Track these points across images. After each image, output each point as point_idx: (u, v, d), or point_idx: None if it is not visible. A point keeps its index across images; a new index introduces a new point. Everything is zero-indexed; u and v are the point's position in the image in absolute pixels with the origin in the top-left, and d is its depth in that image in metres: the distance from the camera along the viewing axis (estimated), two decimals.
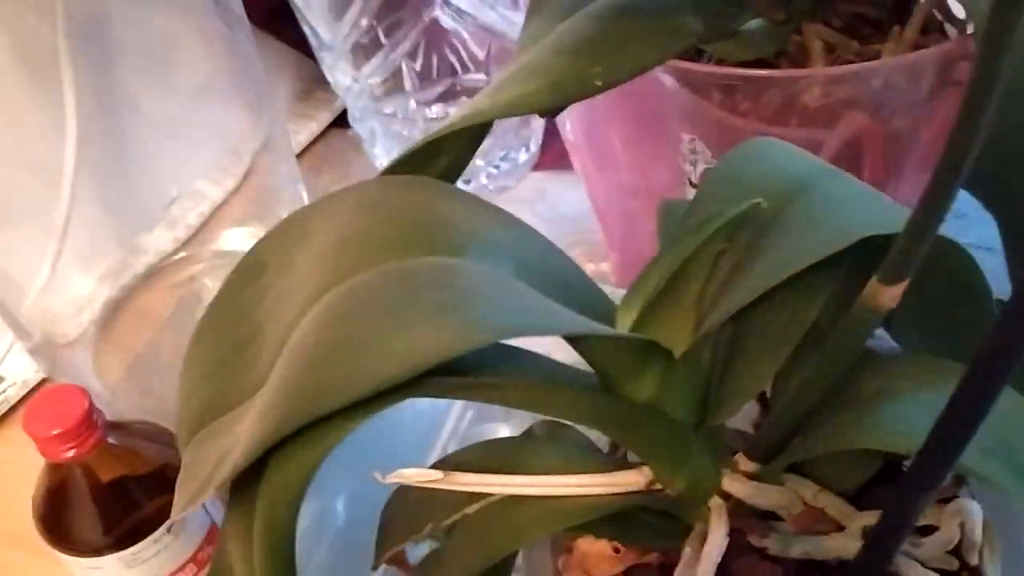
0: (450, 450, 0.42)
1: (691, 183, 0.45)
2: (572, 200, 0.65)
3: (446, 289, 0.25)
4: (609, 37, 0.38)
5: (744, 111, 0.45)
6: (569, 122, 0.52)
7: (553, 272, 0.28)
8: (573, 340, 0.28)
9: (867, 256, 0.30)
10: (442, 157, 0.37)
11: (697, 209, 0.30)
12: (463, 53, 0.66)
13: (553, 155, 0.69)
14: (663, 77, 0.46)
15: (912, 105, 0.44)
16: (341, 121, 0.75)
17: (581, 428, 0.35)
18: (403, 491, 0.35)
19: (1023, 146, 0.33)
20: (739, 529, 0.30)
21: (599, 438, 0.34)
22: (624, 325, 0.29)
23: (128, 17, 0.51)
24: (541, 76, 0.37)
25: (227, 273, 0.32)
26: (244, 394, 0.29)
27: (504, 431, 0.47)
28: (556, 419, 0.30)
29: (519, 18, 0.64)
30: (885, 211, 0.28)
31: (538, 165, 0.70)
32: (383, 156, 0.71)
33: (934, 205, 0.22)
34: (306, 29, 0.65)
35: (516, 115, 0.38)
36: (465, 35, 0.65)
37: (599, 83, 0.37)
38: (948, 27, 0.47)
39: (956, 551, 0.29)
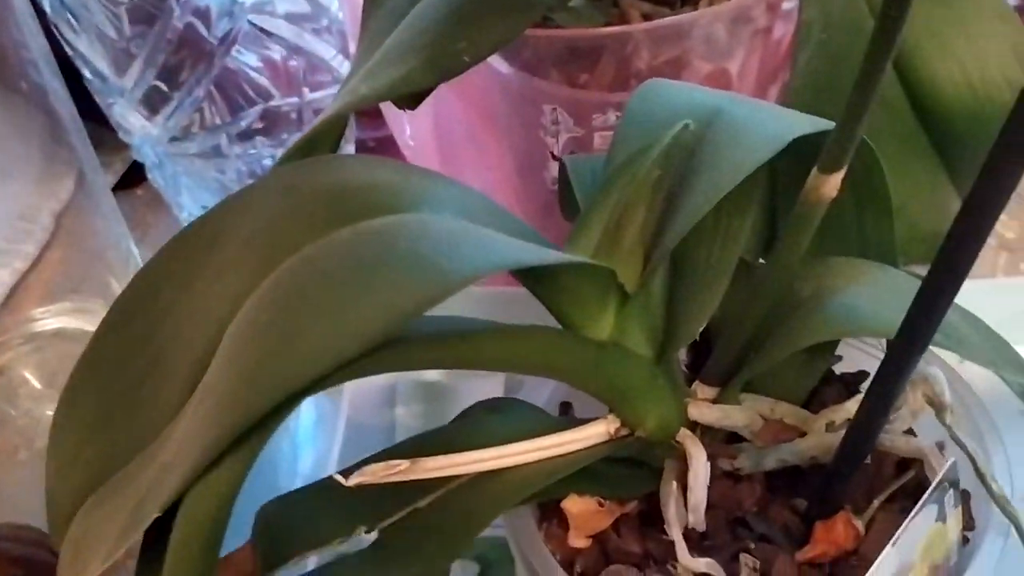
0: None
1: (553, 156, 0.45)
2: None
3: (419, 240, 0.23)
4: (467, 14, 0.38)
5: (584, 83, 0.46)
6: (410, 127, 0.51)
7: (503, 223, 0.27)
8: (532, 282, 0.27)
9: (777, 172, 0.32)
10: (317, 152, 0.35)
11: (618, 151, 0.30)
12: (264, 82, 0.63)
13: None
14: (499, 66, 0.46)
15: (730, 51, 0.46)
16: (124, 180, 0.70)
17: (523, 398, 0.34)
18: (295, 496, 0.31)
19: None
20: (708, 458, 0.30)
21: (547, 404, 0.34)
22: None
23: None
24: (414, 55, 0.36)
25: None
26: (147, 438, 0.26)
27: None
28: (523, 373, 0.28)
29: (324, 41, 0.63)
30: (793, 120, 0.30)
31: None
32: (192, 205, 0.66)
33: (864, 94, 0.24)
34: (89, 75, 0.60)
35: (396, 96, 0.37)
36: (261, 65, 0.63)
37: (467, 58, 0.37)
38: None
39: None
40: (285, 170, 0.29)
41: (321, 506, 0.30)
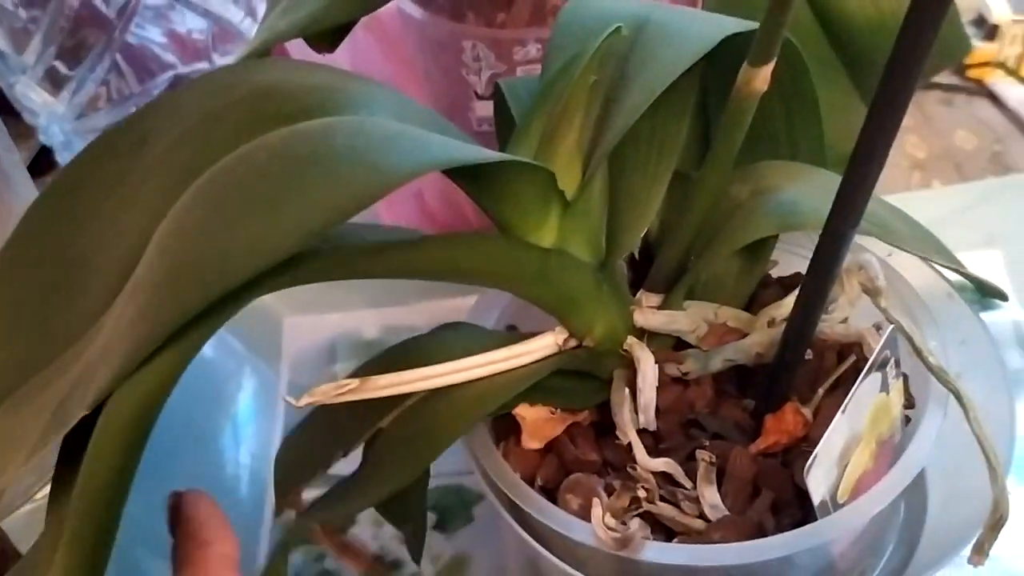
0: None
1: (478, 95, 0.45)
2: None
3: (356, 137, 0.23)
4: None
5: (501, 23, 0.46)
6: None
7: (443, 130, 0.27)
8: (475, 189, 0.27)
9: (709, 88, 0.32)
10: None
11: (552, 60, 0.30)
12: (170, 56, 0.61)
13: None
14: (414, 12, 0.46)
15: None
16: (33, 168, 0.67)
17: (472, 322, 0.34)
18: (293, 438, 0.32)
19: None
20: (656, 362, 0.30)
21: (494, 327, 0.34)
22: None
23: None
24: None
25: None
26: (67, 341, 0.24)
27: None
28: (467, 282, 0.28)
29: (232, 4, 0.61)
30: (720, 21, 0.30)
31: None
32: None
33: None
34: None
35: (315, 31, 0.36)
36: (166, 40, 0.61)
37: None
38: None
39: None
40: (219, 72, 0.29)
41: (312, 439, 0.31)
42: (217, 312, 0.22)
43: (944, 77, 0.61)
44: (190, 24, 0.61)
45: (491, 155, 0.25)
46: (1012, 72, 0.60)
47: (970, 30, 0.61)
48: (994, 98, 0.61)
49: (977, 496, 0.27)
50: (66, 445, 0.22)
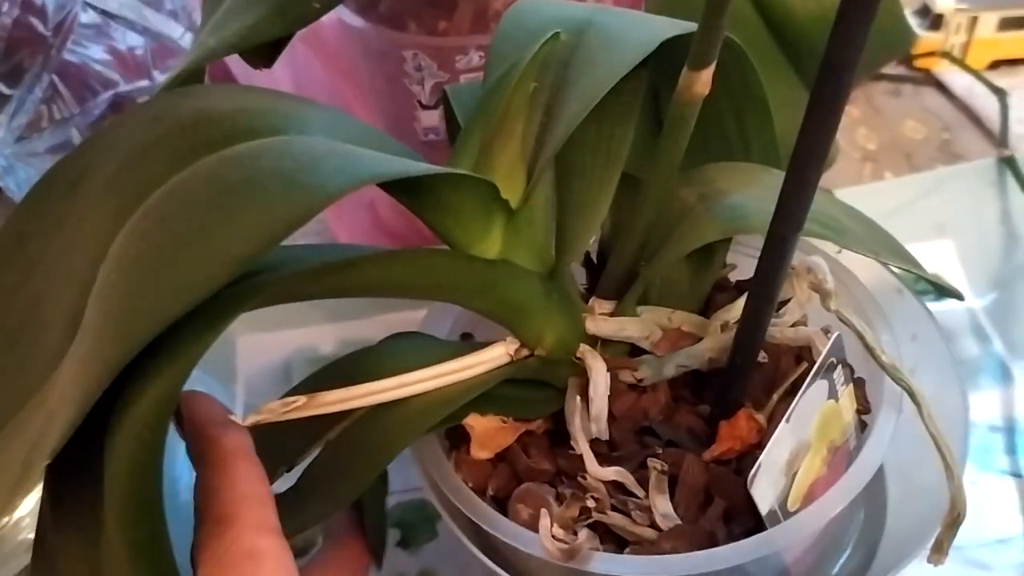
0: None
1: (422, 104, 0.44)
2: None
3: (282, 159, 0.22)
4: None
5: (443, 31, 0.45)
6: None
7: (382, 145, 0.26)
8: (416, 204, 0.27)
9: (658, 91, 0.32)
10: None
11: (493, 68, 0.29)
12: (111, 73, 0.60)
13: None
14: (354, 22, 0.45)
15: None
16: None
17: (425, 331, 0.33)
18: None
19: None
20: (610, 372, 0.30)
21: (448, 335, 0.33)
22: None
23: None
24: (261, 4, 0.35)
25: None
26: (33, 386, 0.24)
27: None
28: (414, 297, 0.28)
29: (170, 20, 0.60)
30: (660, 24, 0.30)
31: None
32: None
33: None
34: None
35: (247, 47, 0.35)
36: (107, 56, 0.60)
37: (317, 4, 0.36)
38: None
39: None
40: (148, 103, 0.28)
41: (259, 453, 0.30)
42: (207, 330, 0.22)
43: (891, 68, 0.62)
44: (131, 41, 0.60)
45: (423, 168, 0.25)
46: (957, 61, 0.60)
47: (914, 20, 0.62)
48: (941, 87, 0.61)
49: (937, 491, 0.27)
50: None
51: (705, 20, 0.26)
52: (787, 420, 0.26)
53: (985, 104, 0.59)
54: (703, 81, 0.27)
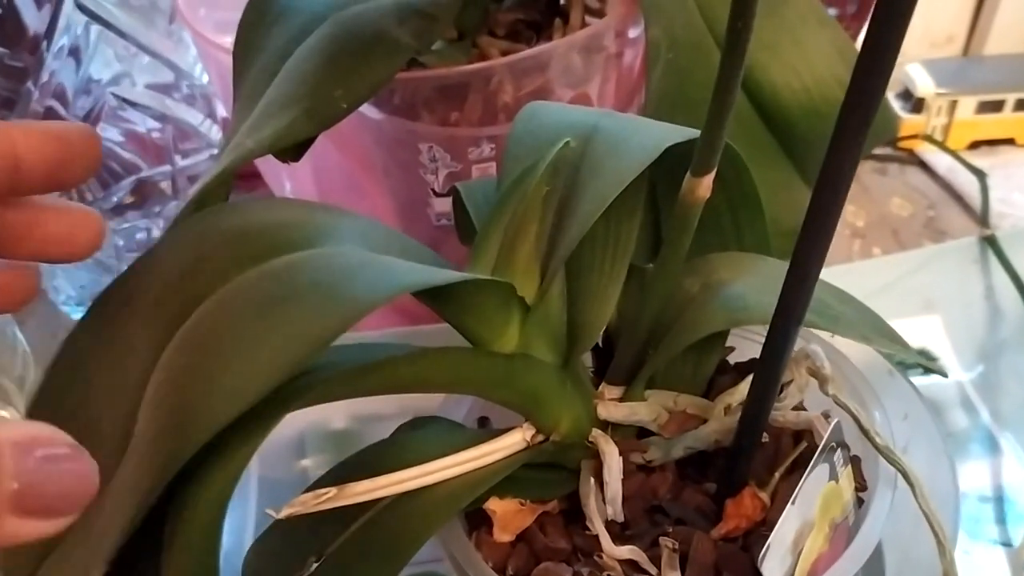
0: None
1: (435, 192, 0.47)
2: None
3: (320, 272, 0.24)
4: (339, 63, 0.39)
5: (455, 121, 0.48)
6: (290, 183, 0.52)
7: (405, 249, 0.28)
8: (438, 304, 0.29)
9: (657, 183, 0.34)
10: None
11: (507, 171, 0.32)
12: (131, 156, 0.63)
13: None
14: (371, 113, 0.48)
15: (588, 77, 0.49)
16: None
17: (443, 415, 0.35)
18: (260, 544, 0.32)
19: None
20: (621, 453, 0.32)
21: (465, 419, 0.35)
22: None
23: None
24: (294, 107, 0.37)
25: None
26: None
27: None
28: (438, 391, 0.29)
29: (191, 107, 0.63)
30: (664, 130, 0.32)
31: None
32: (69, 287, 0.64)
33: (722, 100, 0.27)
34: None
35: (281, 147, 0.38)
36: (124, 139, 0.62)
37: (345, 104, 0.39)
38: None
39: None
40: (191, 221, 0.30)
41: (284, 544, 0.31)
42: (245, 439, 0.24)
43: (878, 148, 0.65)
44: (150, 124, 0.62)
45: (451, 276, 0.27)
46: (938, 144, 0.63)
47: (897, 103, 0.65)
48: (925, 166, 0.64)
49: (932, 563, 0.29)
50: None
51: (707, 131, 0.28)
52: (793, 502, 0.27)
53: (966, 183, 0.62)
54: (705, 186, 0.29)
